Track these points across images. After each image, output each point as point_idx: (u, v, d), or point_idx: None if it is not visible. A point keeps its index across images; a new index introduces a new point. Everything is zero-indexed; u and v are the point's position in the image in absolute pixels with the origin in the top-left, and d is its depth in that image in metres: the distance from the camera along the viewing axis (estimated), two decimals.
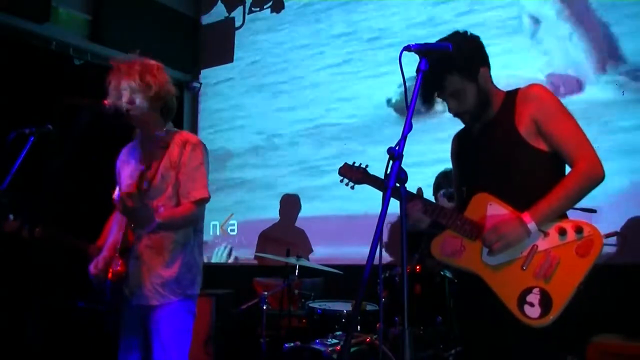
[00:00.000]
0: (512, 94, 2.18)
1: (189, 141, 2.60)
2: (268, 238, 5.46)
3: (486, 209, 2.11)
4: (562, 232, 2.01)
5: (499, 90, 2.23)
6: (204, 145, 2.67)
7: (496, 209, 2.10)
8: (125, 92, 2.50)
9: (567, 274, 1.96)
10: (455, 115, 2.22)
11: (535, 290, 1.98)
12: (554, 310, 1.93)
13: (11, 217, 3.08)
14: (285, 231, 5.37)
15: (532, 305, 1.97)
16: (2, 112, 3.97)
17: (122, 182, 2.70)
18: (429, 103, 2.19)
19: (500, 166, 2.13)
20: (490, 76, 2.21)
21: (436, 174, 3.69)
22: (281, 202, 5.45)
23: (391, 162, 1.76)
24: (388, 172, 1.76)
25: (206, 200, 2.58)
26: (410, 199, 2.16)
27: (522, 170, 2.10)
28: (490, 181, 2.14)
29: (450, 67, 2.10)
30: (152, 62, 2.60)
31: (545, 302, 1.95)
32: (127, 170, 2.69)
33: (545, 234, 2.03)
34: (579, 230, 1.99)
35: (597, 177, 2.01)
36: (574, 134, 2.07)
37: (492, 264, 2.08)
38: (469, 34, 2.20)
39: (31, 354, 3.99)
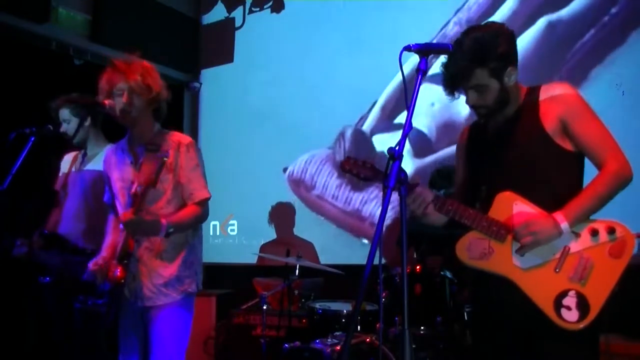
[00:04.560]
0: (535, 90, 2.13)
1: (182, 142, 2.61)
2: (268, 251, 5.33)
3: (512, 208, 2.05)
4: (594, 233, 1.96)
5: (521, 86, 2.17)
6: (196, 144, 2.71)
7: (523, 209, 2.04)
8: (124, 92, 2.50)
9: (603, 276, 1.92)
10: (472, 107, 2.16)
11: (572, 293, 1.93)
12: (592, 313, 1.89)
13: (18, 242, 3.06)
14: (287, 245, 5.23)
15: (569, 308, 1.91)
16: (2, 112, 3.97)
17: (113, 185, 2.69)
18: (452, 91, 2.13)
19: (526, 164, 2.07)
20: (517, 74, 2.12)
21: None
22: (271, 215, 5.36)
23: (391, 162, 1.75)
24: (388, 172, 1.75)
25: (208, 199, 2.62)
26: (422, 190, 2.10)
27: (549, 168, 2.05)
28: (514, 179, 2.08)
29: (481, 60, 2.03)
30: (150, 64, 2.61)
31: (583, 305, 1.90)
32: (117, 173, 2.66)
33: (577, 235, 1.97)
34: (611, 231, 1.95)
35: (626, 178, 1.99)
36: (602, 135, 2.04)
37: (524, 267, 2.01)
38: (506, 28, 2.11)
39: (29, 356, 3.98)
